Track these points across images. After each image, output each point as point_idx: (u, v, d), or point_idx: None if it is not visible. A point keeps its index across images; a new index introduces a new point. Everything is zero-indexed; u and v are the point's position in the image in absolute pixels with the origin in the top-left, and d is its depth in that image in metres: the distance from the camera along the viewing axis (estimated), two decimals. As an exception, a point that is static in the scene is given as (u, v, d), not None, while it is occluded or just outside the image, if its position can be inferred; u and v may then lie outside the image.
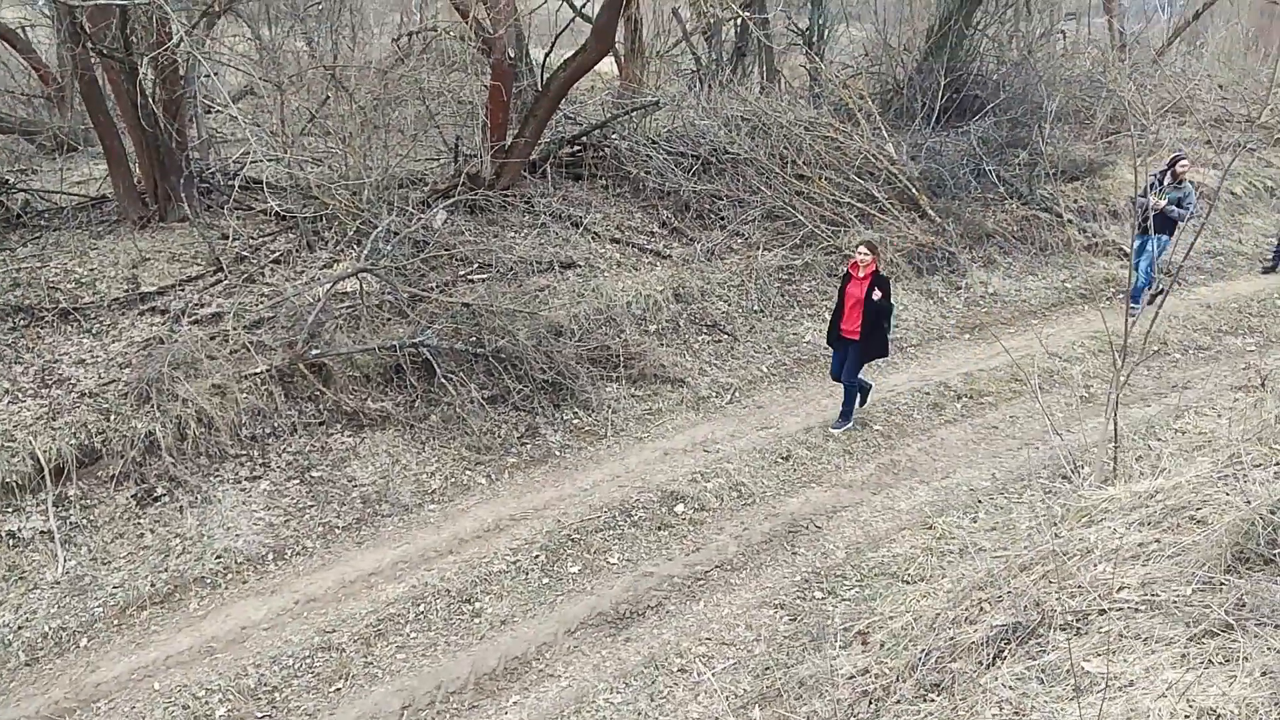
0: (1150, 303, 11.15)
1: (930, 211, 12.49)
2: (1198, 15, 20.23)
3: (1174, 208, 10.72)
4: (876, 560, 6.67)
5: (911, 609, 5.36)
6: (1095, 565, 4.66)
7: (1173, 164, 11.04)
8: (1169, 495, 5.22)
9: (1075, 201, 13.74)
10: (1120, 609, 4.21)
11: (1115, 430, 6.44)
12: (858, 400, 8.64)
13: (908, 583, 6.18)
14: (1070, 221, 13.25)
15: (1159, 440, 8.00)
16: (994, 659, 4.26)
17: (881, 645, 5.13)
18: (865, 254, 8.05)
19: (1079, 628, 4.21)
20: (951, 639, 4.56)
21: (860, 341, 8.19)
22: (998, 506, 7.31)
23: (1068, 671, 3.84)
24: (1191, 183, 11.33)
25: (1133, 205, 12.11)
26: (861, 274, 8.10)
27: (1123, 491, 5.61)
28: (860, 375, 8.56)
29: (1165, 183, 10.82)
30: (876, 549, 6.84)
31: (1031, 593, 4.62)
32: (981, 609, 4.80)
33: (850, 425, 8.53)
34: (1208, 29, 21.49)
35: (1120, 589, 4.34)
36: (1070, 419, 8.65)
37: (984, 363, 10.00)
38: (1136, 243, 11.09)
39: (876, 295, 8.01)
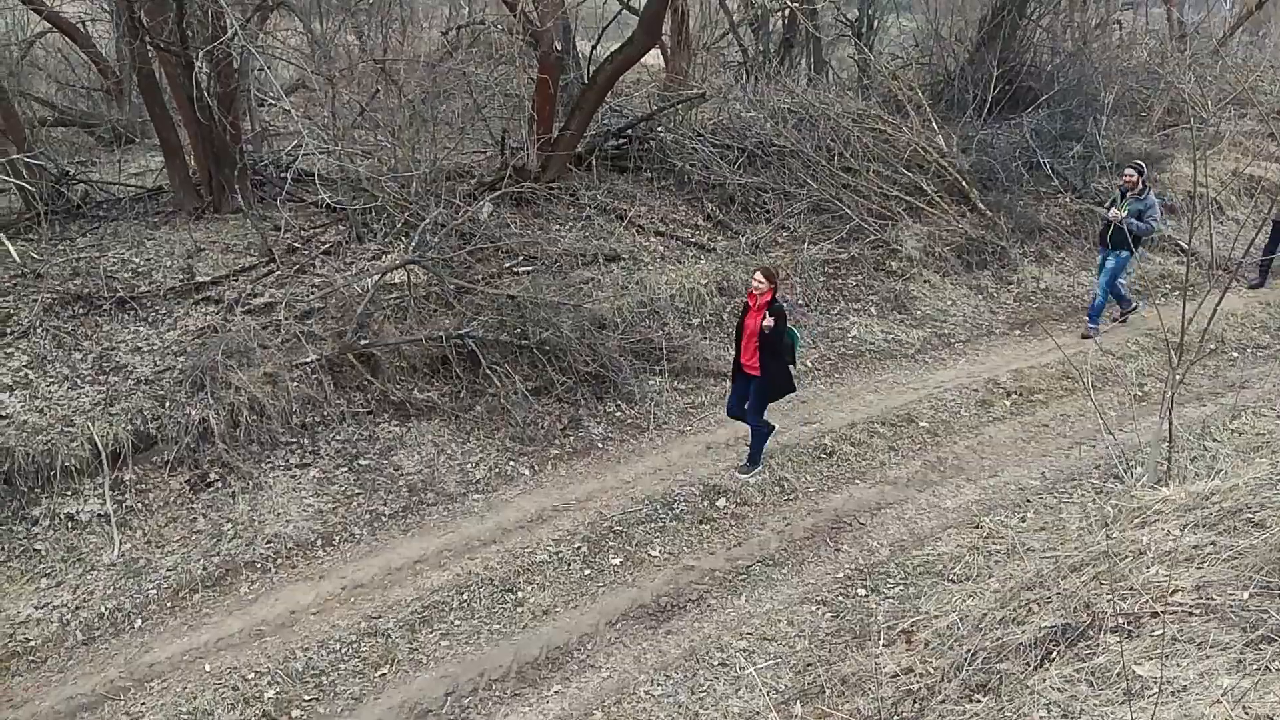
0: (1123, 321, 10.64)
1: (981, 205, 12.29)
2: (1260, 4, 19.61)
3: (1134, 220, 9.90)
4: (921, 558, 6.61)
5: (957, 608, 5.29)
6: (1148, 567, 4.57)
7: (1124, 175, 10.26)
8: (1225, 497, 5.10)
9: (1131, 195, 13.41)
10: (1174, 612, 4.12)
11: (1170, 430, 6.30)
12: (762, 445, 7.77)
13: (953, 582, 6.11)
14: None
15: (1215, 441, 7.80)
16: (1042, 661, 4.19)
17: (926, 644, 5.08)
18: (760, 282, 7.21)
19: (1131, 631, 4.12)
20: (998, 639, 4.50)
21: (760, 377, 7.35)
22: (1047, 506, 7.20)
23: (1119, 675, 3.76)
24: (1157, 195, 10.60)
25: (1097, 219, 11.38)
26: (758, 304, 7.27)
27: (1177, 492, 5.48)
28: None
29: (1126, 195, 10.05)
30: (921, 547, 6.77)
31: (1082, 594, 4.54)
32: (1030, 610, 4.73)
33: (760, 469, 7.70)
34: (1271, 18, 20.84)
35: (1174, 592, 4.24)
36: (1123, 418, 8.47)
37: (1034, 359, 9.83)
38: (1099, 258, 10.54)
39: (767, 323, 7.12)
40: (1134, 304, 10.78)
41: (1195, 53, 17.45)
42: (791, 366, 7.57)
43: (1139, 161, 10.63)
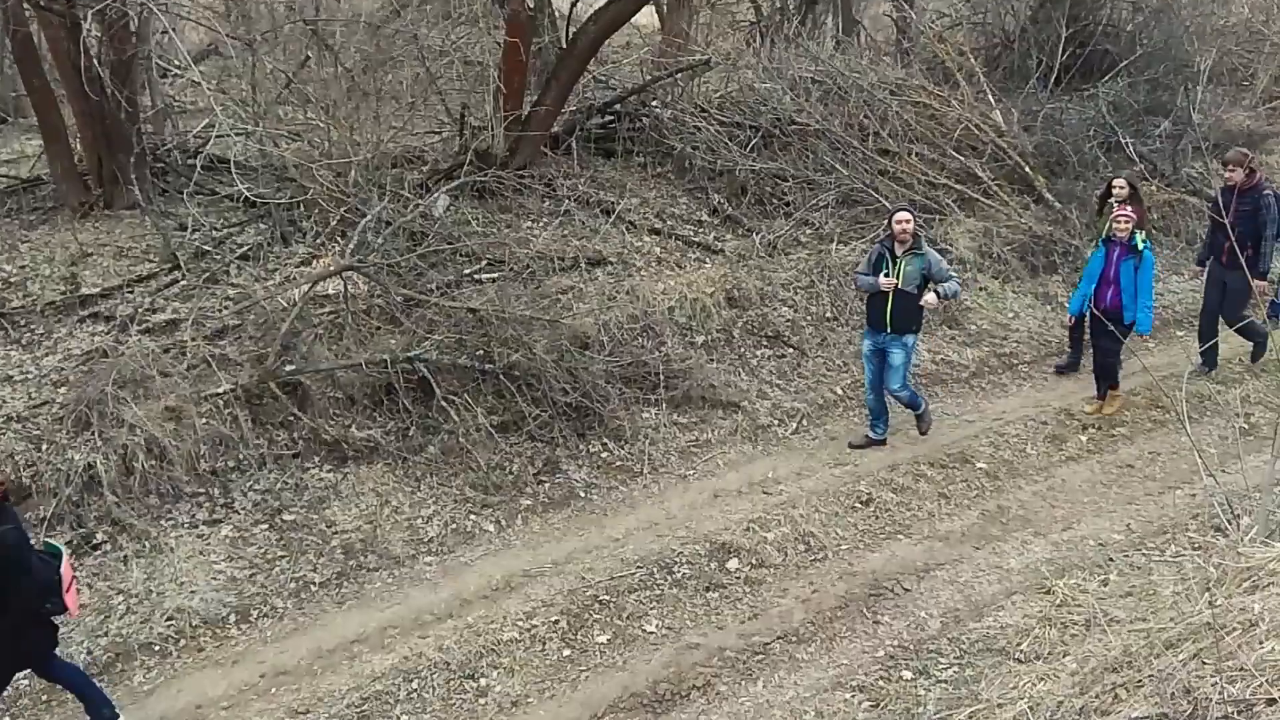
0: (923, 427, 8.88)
1: (1048, 195, 12.36)
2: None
3: (942, 285, 8.42)
4: (980, 632, 6.56)
5: (1027, 695, 5.24)
6: (1262, 642, 4.53)
7: (890, 223, 8.59)
8: (1355, 554, 5.08)
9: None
10: (1294, 699, 4.09)
11: (1285, 471, 6.28)
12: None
13: (1021, 661, 6.07)
14: (1225, 207, 13.04)
15: (1341, 484, 7.79)
16: (1132, 761, 4.16)
17: (988, 740, 5.04)
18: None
19: (1242, 722, 4.09)
20: (1078, 735, 4.46)
21: None
22: (1134, 566, 7.17)
23: (1228, 779, 3.73)
24: (932, 244, 9.34)
25: (854, 284, 9.58)
26: None
27: (1295, 549, 5.46)
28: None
29: (897, 252, 8.39)
30: (980, 618, 6.73)
31: (1180, 676, 4.50)
32: (1116, 696, 4.69)
33: None
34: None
35: (1294, 674, 4.22)
36: (1226, 456, 8.46)
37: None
38: (866, 344, 8.76)
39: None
40: (924, 404, 8.96)
41: (1309, 8, 17.64)
42: (56, 616, 5.66)
43: (907, 206, 9.38)
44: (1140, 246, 8.96)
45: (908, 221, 8.42)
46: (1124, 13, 15.27)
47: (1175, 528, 7.63)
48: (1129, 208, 9.21)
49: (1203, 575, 5.84)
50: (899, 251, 8.41)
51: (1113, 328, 8.51)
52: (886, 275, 8.39)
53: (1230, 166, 9.66)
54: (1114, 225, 9.04)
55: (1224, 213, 9.00)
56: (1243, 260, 8.31)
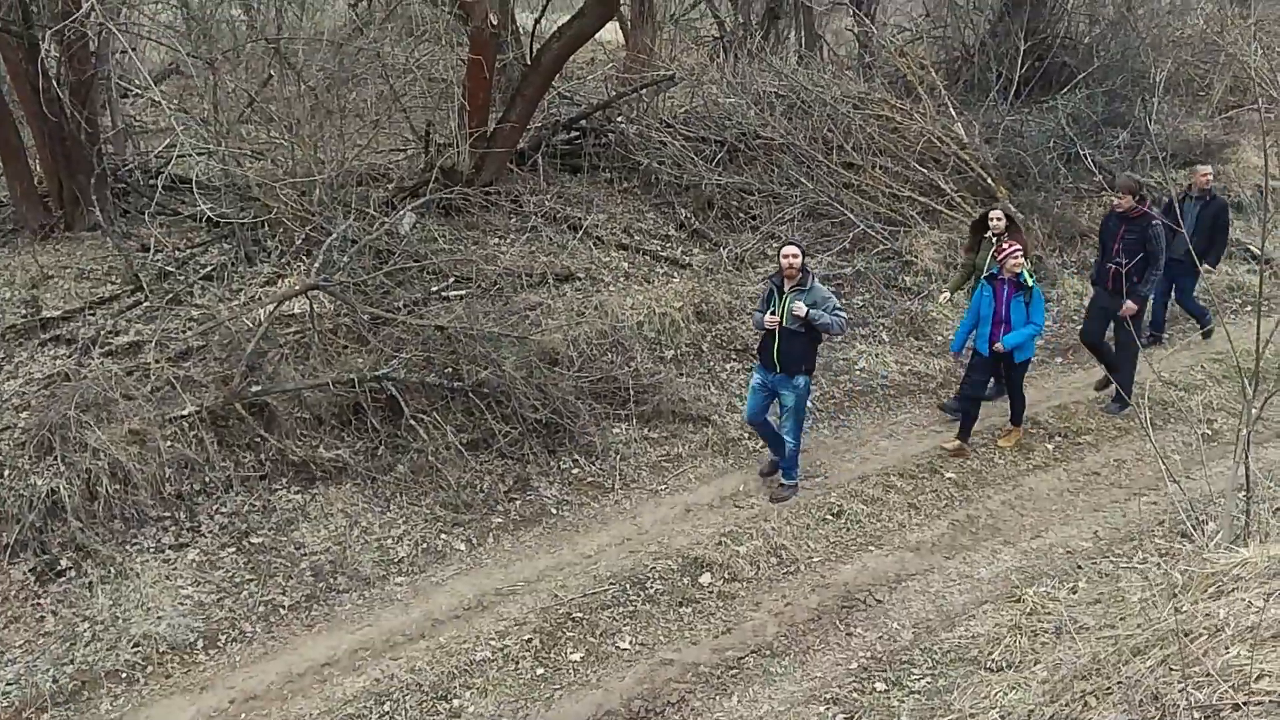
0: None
1: (1010, 206, 12.45)
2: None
3: (823, 315, 7.82)
4: (952, 642, 6.61)
5: (998, 704, 5.29)
6: (1227, 648, 4.59)
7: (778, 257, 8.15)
8: (1318, 559, 5.15)
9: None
10: (1260, 704, 4.15)
11: (1247, 476, 6.37)
12: None
13: (992, 670, 6.11)
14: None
15: (1304, 488, 7.90)
16: (1103, 768, 4.20)
17: (961, 750, 5.07)
18: None
19: (1209, 728, 4.14)
20: (1049, 743, 4.50)
21: None
22: (1102, 573, 7.25)
23: (1196, 784, 3.77)
24: (818, 278, 8.35)
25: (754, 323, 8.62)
26: None
27: (1259, 553, 5.53)
28: None
29: (786, 288, 7.94)
30: (952, 628, 6.78)
31: (1148, 683, 4.55)
32: (1086, 704, 4.74)
33: None
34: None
35: (1259, 678, 4.27)
36: (1190, 462, 8.58)
37: (1081, 393, 9.95)
38: (755, 378, 8.34)
39: None
40: (797, 481, 8.44)
41: (1261, 20, 17.92)
42: None
43: (796, 240, 8.77)
44: (1030, 283, 8.53)
45: (795, 256, 7.89)
46: (1081, 25, 15.49)
47: (1142, 534, 7.71)
48: (1013, 243, 8.66)
49: (1169, 581, 5.92)
50: (787, 288, 7.97)
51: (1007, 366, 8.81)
52: (772, 312, 7.99)
53: (1120, 194, 9.42)
54: (1007, 263, 8.51)
55: (1112, 238, 9.28)
56: (1126, 286, 8.70)
